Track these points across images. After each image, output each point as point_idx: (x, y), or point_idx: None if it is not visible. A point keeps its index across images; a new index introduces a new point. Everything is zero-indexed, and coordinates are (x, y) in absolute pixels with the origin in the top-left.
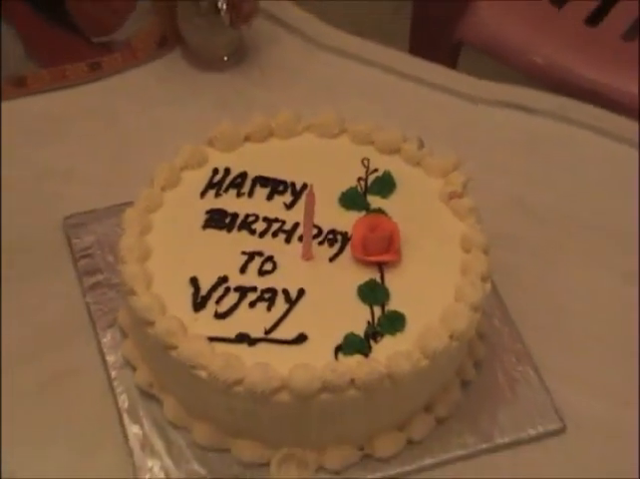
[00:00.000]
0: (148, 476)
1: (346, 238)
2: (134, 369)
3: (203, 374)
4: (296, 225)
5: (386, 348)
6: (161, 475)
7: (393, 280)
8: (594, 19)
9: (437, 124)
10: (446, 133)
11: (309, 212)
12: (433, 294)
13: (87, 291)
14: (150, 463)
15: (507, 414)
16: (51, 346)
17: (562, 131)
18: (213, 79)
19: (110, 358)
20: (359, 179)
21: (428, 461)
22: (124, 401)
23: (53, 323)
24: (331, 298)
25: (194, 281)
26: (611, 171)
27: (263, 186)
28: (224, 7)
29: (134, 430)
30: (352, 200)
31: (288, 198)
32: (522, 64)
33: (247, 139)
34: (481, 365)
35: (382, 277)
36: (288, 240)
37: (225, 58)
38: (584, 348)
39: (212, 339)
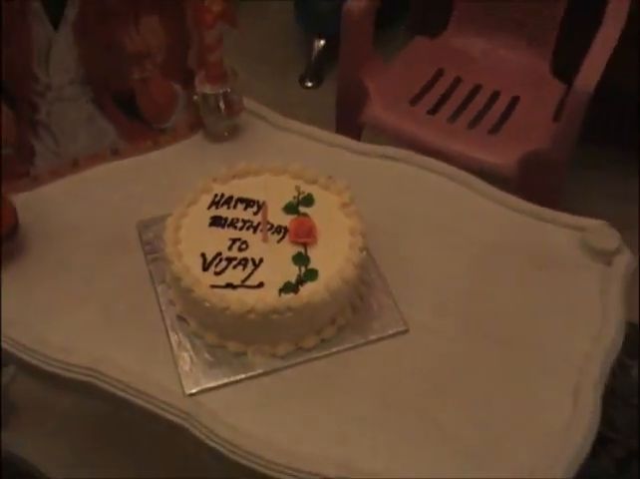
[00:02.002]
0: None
1: (286, 229)
2: (174, 305)
3: (208, 304)
4: (259, 223)
5: (307, 289)
6: (188, 359)
7: (312, 252)
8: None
9: (341, 166)
10: (347, 171)
11: (264, 216)
12: (333, 260)
13: (149, 263)
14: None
15: (376, 323)
16: (128, 291)
17: (414, 172)
18: (220, 147)
19: (161, 299)
20: (294, 197)
21: (333, 349)
22: (168, 320)
23: (132, 280)
24: (277, 263)
25: (203, 255)
26: (444, 190)
27: (242, 202)
28: (223, 106)
29: (173, 336)
30: (290, 208)
31: (255, 209)
32: (402, 139)
33: (234, 177)
34: (363, 298)
35: (305, 251)
36: (255, 231)
37: (226, 134)
38: (426, 286)
39: (212, 286)
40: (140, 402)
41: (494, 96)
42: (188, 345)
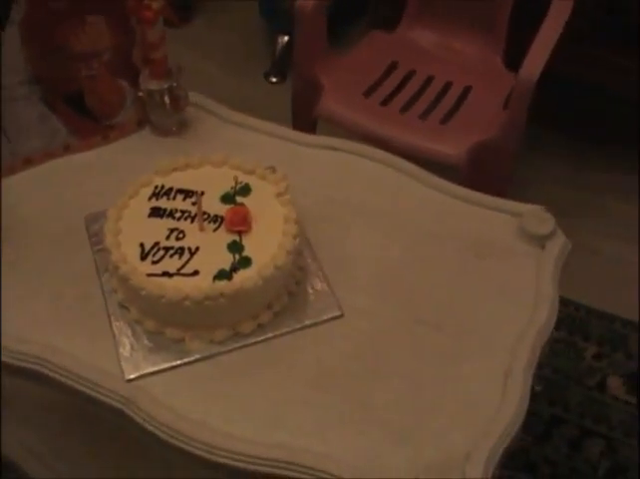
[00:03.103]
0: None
1: (223, 218)
2: (116, 293)
3: (144, 292)
4: (199, 214)
5: (241, 276)
6: (128, 345)
7: (246, 240)
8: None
9: (284, 157)
10: (289, 161)
11: (199, 205)
12: (267, 247)
13: (95, 253)
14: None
15: (312, 309)
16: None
17: (354, 161)
18: (167, 141)
19: (105, 288)
20: (232, 187)
21: (269, 335)
22: (110, 308)
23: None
24: (213, 251)
25: (142, 245)
26: (383, 178)
27: (181, 193)
28: (168, 102)
29: (115, 324)
30: (227, 198)
31: (194, 199)
32: (355, 131)
33: (175, 169)
34: (300, 283)
35: (240, 239)
36: (192, 221)
37: (174, 128)
38: (362, 272)
39: (149, 275)
40: (83, 389)
41: (447, 87)
42: (129, 332)
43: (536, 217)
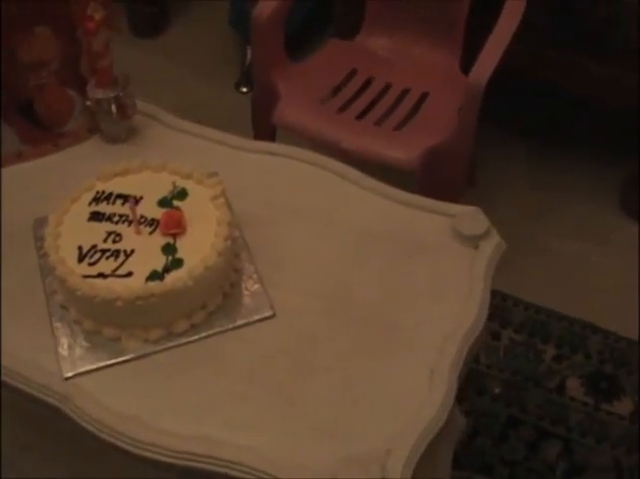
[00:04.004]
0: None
1: (159, 222)
2: (56, 294)
3: (79, 293)
4: (135, 218)
5: (172, 277)
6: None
7: (180, 243)
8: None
9: (225, 162)
10: (229, 167)
11: (133, 209)
12: (199, 249)
13: (40, 257)
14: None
15: (245, 309)
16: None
17: (292, 165)
18: (117, 148)
19: (47, 290)
20: (169, 191)
21: (203, 334)
22: (51, 309)
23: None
24: (147, 253)
25: (80, 248)
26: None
27: (120, 198)
28: (115, 110)
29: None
30: (164, 202)
31: (132, 204)
32: (310, 138)
33: (116, 175)
34: (234, 285)
35: (174, 241)
36: (129, 225)
37: (123, 136)
38: (296, 272)
39: (85, 276)
40: (23, 387)
41: (404, 93)
42: (69, 332)
43: (470, 217)
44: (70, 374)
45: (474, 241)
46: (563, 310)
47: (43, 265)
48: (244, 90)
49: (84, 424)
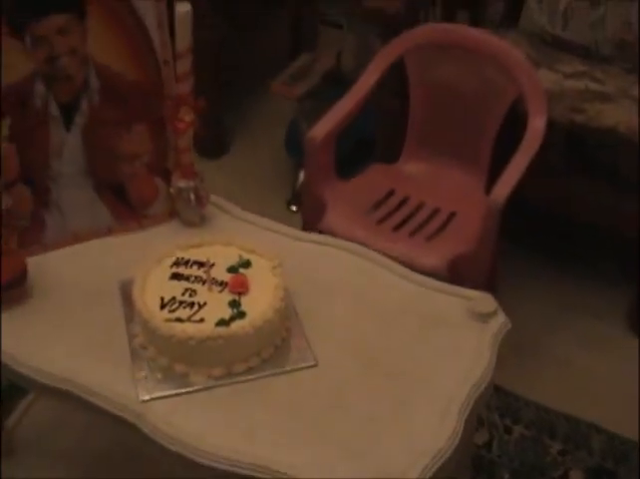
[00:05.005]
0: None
1: (227, 283)
2: (137, 336)
3: (159, 333)
4: (209, 279)
5: (237, 325)
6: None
7: (244, 300)
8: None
9: (281, 247)
10: (284, 250)
11: (208, 273)
12: (259, 306)
13: (125, 307)
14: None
15: (292, 358)
16: (108, 327)
17: (336, 253)
18: (191, 231)
19: (130, 333)
20: (236, 261)
21: (256, 375)
22: (133, 347)
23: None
24: (217, 306)
25: (162, 298)
26: (359, 266)
27: (196, 264)
28: (193, 197)
29: (135, 360)
30: (232, 269)
31: (206, 268)
32: None
33: (192, 247)
34: (285, 340)
35: (239, 299)
36: (204, 284)
37: (197, 221)
38: (332, 334)
39: (165, 320)
40: (107, 408)
41: (435, 212)
42: (145, 366)
43: (482, 299)
44: (146, 398)
45: (484, 319)
46: (570, 411)
47: (127, 315)
48: (294, 209)
49: (154, 437)
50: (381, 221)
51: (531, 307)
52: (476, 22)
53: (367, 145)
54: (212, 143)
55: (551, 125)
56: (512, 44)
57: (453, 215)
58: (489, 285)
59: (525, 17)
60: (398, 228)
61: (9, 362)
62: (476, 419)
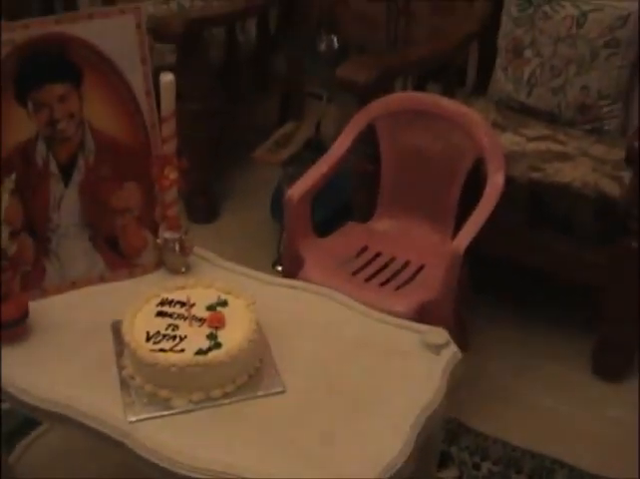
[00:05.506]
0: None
1: (205, 319)
2: (125, 367)
3: (145, 361)
4: (189, 316)
5: (214, 354)
6: (131, 400)
7: (220, 333)
8: (370, 278)
9: (256, 290)
10: (258, 292)
11: (189, 311)
12: (235, 338)
13: (116, 344)
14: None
15: (263, 385)
16: (101, 361)
17: (303, 295)
18: (176, 278)
19: (119, 364)
20: (215, 301)
21: (232, 400)
22: (122, 377)
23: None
24: (196, 338)
25: (147, 332)
26: (322, 304)
27: (179, 303)
28: (178, 248)
29: (123, 387)
30: (210, 307)
31: (187, 307)
32: None
33: (177, 289)
34: (258, 369)
35: (216, 332)
36: (185, 320)
37: (183, 269)
38: (299, 364)
39: (150, 350)
40: (99, 428)
41: (405, 265)
42: (133, 393)
43: (434, 332)
44: (133, 419)
45: (436, 350)
46: (536, 449)
47: (117, 350)
48: (279, 269)
49: (140, 453)
50: (354, 273)
51: (500, 354)
52: (446, 92)
53: (348, 210)
54: (204, 209)
55: (512, 182)
56: (481, 110)
57: (422, 267)
58: (458, 331)
59: (493, 86)
60: (370, 279)
61: (14, 392)
62: (435, 445)
